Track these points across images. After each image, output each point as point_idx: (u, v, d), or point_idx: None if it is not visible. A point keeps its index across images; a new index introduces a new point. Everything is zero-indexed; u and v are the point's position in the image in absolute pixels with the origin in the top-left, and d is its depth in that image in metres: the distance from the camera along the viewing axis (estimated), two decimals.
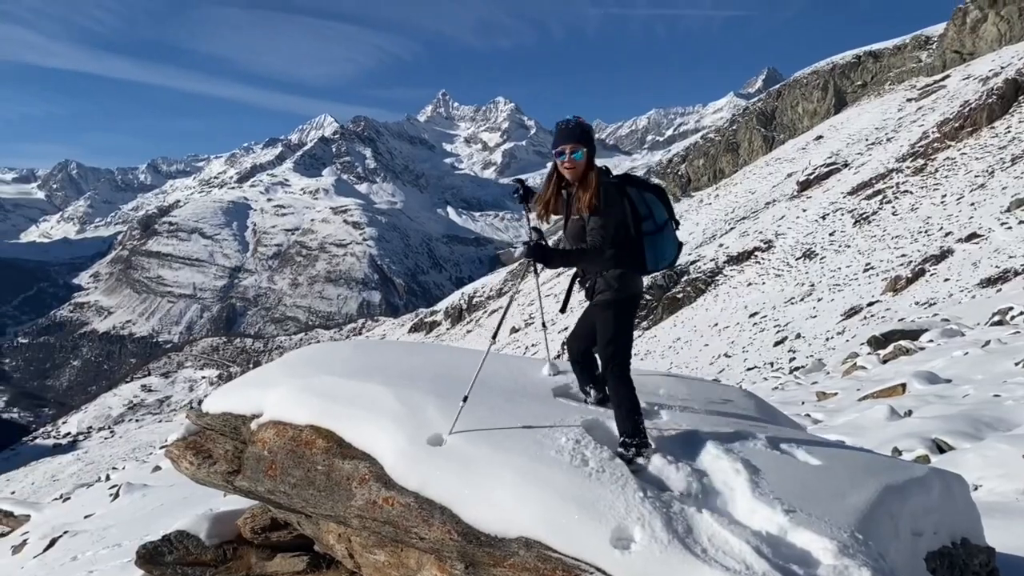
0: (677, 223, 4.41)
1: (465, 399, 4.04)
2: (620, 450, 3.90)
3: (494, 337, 4.72)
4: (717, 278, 53.38)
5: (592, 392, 4.70)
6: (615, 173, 4.33)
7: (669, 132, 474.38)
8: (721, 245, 59.26)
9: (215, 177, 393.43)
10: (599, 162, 4.26)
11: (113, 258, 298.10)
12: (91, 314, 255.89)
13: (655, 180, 4.73)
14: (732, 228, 65.81)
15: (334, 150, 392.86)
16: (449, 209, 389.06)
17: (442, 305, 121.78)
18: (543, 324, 5.63)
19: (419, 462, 3.87)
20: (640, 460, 3.83)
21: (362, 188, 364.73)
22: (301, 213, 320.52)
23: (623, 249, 4.22)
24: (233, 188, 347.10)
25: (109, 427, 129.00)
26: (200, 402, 7.40)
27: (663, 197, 4.37)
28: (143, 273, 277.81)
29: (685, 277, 54.88)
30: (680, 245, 4.43)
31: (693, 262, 56.92)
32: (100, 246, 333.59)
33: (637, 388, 4.13)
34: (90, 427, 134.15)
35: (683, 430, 4.19)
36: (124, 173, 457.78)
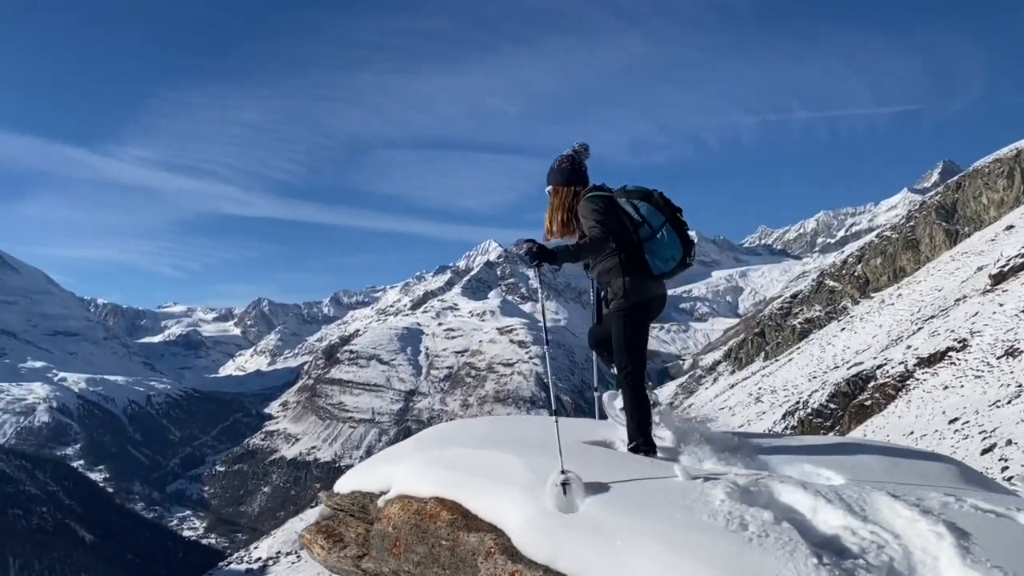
0: (682, 222, 4.65)
1: (565, 477, 3.58)
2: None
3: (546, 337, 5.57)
4: (908, 382, 49.03)
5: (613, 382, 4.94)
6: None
7: (841, 233, 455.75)
8: (909, 347, 54.83)
9: (391, 305, 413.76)
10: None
11: (300, 387, 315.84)
12: (280, 441, 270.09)
13: (655, 189, 4.83)
14: (920, 328, 61.00)
15: (499, 273, 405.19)
16: None
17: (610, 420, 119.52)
18: (546, 340, 5.73)
19: (549, 532, 3.38)
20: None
21: (526, 308, 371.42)
22: (470, 335, 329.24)
23: (625, 259, 4.53)
24: (407, 315, 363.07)
25: (296, 552, 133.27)
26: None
27: (657, 202, 4.60)
28: (326, 400, 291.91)
29: (872, 383, 50.87)
30: (689, 244, 4.71)
31: (880, 366, 52.81)
32: (288, 376, 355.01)
33: (820, 456, 3.71)
34: (279, 552, 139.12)
35: (867, 491, 3.47)
36: (309, 307, 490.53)
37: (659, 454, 4.25)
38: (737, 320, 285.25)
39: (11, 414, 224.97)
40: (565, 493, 3.60)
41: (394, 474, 4.48)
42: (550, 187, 4.85)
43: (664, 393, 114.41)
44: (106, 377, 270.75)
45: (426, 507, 4.01)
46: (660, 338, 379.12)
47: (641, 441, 4.30)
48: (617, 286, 4.54)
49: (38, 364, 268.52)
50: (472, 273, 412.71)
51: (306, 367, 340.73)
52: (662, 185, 4.74)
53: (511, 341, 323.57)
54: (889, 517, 3.17)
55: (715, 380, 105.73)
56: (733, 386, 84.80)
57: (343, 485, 4.90)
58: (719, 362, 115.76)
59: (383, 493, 4.47)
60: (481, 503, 3.80)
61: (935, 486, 3.85)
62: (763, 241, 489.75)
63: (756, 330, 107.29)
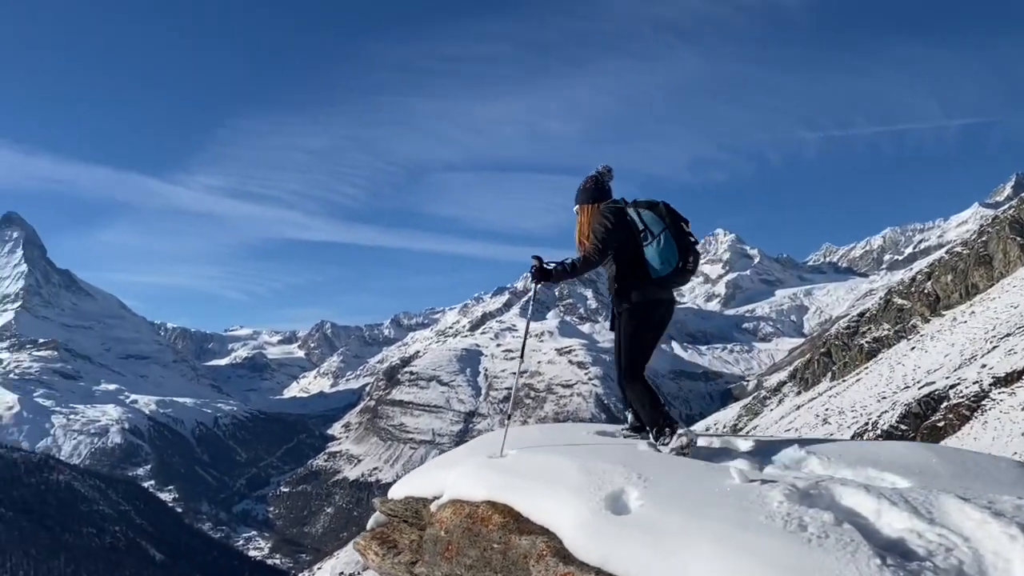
0: (684, 232, 4.88)
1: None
2: (651, 440, 4.51)
3: (521, 356, 5.92)
4: (983, 403, 47.20)
5: (630, 416, 5.17)
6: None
7: (909, 250, 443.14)
8: (984, 366, 52.85)
9: (450, 327, 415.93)
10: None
11: (361, 408, 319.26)
12: (343, 462, 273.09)
13: (663, 201, 5.13)
14: (995, 347, 58.81)
15: (557, 293, 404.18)
16: (674, 344, 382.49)
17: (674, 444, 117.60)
18: (522, 355, 6.03)
19: (601, 534, 3.32)
20: (670, 441, 4.37)
21: (585, 328, 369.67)
22: (528, 356, 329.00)
23: (625, 263, 4.89)
24: (466, 336, 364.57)
25: (359, 573, 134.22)
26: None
27: (660, 211, 4.88)
28: (388, 421, 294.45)
29: (945, 403, 49.14)
30: (687, 249, 4.88)
31: (953, 386, 50.99)
32: (351, 398, 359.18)
33: (885, 461, 3.80)
34: (341, 572, 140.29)
35: (935, 494, 3.32)
36: (371, 329, 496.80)
37: (681, 430, 4.46)
38: (802, 340, 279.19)
39: (86, 435, 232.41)
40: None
41: (447, 479, 4.48)
42: (577, 206, 5.27)
43: (728, 415, 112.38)
44: (175, 399, 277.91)
45: (478, 511, 3.99)
46: (723, 359, 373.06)
47: (662, 422, 4.54)
48: (618, 289, 4.94)
49: (111, 387, 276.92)
50: (529, 294, 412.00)
51: (368, 388, 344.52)
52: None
53: (570, 362, 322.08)
54: (958, 519, 3.03)
55: (780, 401, 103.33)
56: (799, 407, 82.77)
57: (397, 491, 4.91)
58: (784, 383, 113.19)
59: (436, 498, 4.47)
60: (533, 506, 3.76)
61: (1009, 490, 3.67)
62: (828, 259, 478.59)
63: (822, 350, 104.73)
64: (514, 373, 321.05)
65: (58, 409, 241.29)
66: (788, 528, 2.95)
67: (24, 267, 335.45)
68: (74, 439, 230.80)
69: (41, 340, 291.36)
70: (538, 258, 4.94)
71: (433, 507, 4.39)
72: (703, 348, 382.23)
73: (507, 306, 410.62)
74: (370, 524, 5.09)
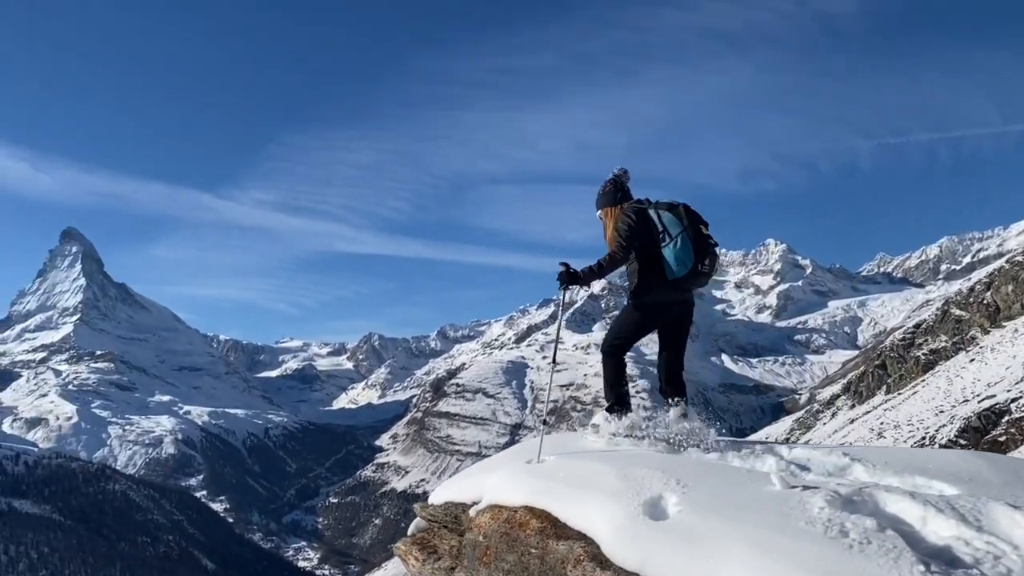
0: (703, 234, 4.99)
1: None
2: (604, 413, 5.13)
3: (554, 360, 6.25)
4: None
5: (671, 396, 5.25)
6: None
7: (967, 259, 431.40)
8: None
9: (495, 339, 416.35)
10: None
11: (409, 420, 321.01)
12: (390, 473, 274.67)
13: (683, 202, 5.23)
14: None
15: (603, 305, 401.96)
16: (724, 357, 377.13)
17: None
18: (554, 360, 6.32)
19: (639, 539, 3.29)
20: (615, 417, 4.97)
21: None
22: (574, 369, 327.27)
23: (643, 262, 5.06)
24: (512, 348, 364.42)
25: None
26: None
27: (679, 213, 5.03)
28: (434, 433, 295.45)
29: (1006, 417, 47.51)
30: (704, 251, 4.98)
31: (1015, 399, 49.37)
32: (398, 409, 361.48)
33: (933, 468, 3.73)
34: None
35: (984, 501, 3.23)
36: (418, 341, 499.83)
37: (632, 412, 5.01)
38: (856, 352, 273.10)
39: (141, 445, 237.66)
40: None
41: (485, 485, 4.49)
42: (600, 211, 5.45)
43: (780, 428, 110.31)
44: (227, 410, 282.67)
45: (516, 516, 3.99)
46: (775, 371, 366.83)
47: (614, 401, 5.13)
48: (633, 285, 5.16)
49: (165, 398, 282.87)
50: (576, 306, 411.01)
51: (415, 400, 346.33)
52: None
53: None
54: (1008, 527, 2.94)
55: (833, 415, 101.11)
56: (853, 421, 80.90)
57: (437, 497, 4.94)
58: (838, 396, 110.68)
59: (475, 504, 4.48)
60: (571, 511, 3.75)
61: None
62: (882, 269, 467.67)
63: (877, 362, 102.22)
64: (560, 386, 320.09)
65: (114, 420, 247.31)
66: (829, 534, 2.90)
67: (82, 281, 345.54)
68: (129, 449, 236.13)
69: (98, 352, 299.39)
70: (565, 264, 5.12)
71: (472, 512, 4.40)
72: (754, 361, 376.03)
73: (552, 318, 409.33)
74: (411, 530, 5.12)
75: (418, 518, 5.10)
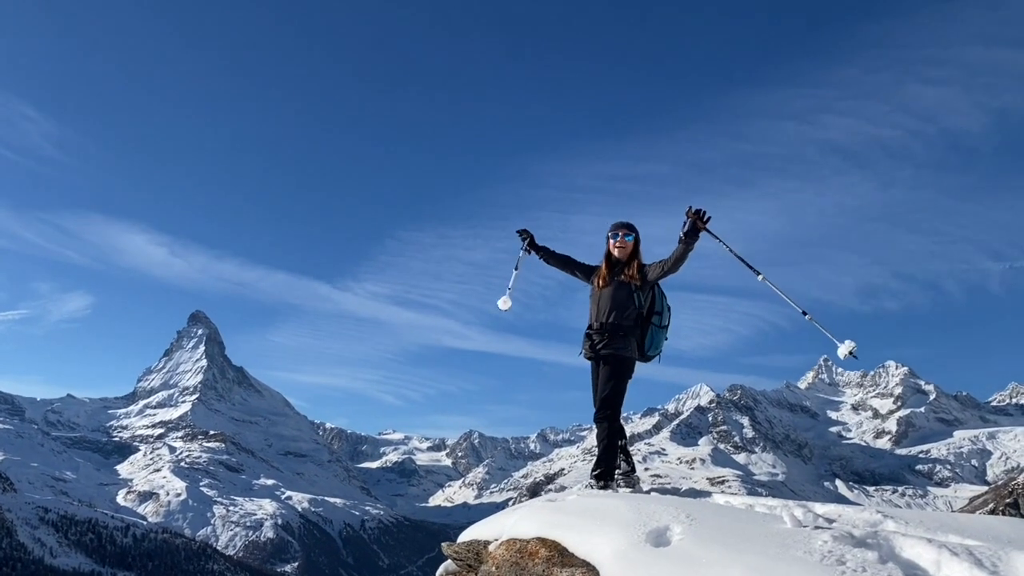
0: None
1: None
2: (591, 480, 5.18)
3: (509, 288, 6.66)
4: None
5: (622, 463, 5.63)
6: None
7: None
8: None
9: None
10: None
11: None
12: None
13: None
14: None
15: (710, 419, 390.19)
16: (838, 482, 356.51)
17: None
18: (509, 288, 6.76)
19: (637, 564, 3.24)
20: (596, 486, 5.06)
21: (740, 458, 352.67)
22: (678, 482, 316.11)
23: (644, 319, 5.48)
24: None
25: None
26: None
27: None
28: None
29: None
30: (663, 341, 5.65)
31: None
32: (493, 511, 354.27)
33: (969, 528, 3.58)
34: None
35: (1003, 547, 3.02)
36: (517, 442, 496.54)
37: (615, 489, 5.14)
38: (985, 488, 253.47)
39: (242, 527, 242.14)
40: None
41: (507, 522, 4.50)
42: (633, 236, 5.89)
43: None
44: (327, 499, 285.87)
45: (528, 546, 3.98)
46: (893, 502, 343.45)
47: (604, 469, 5.30)
48: (622, 339, 5.48)
49: (269, 482, 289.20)
50: (682, 417, 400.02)
51: (511, 503, 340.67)
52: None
53: (722, 493, 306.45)
54: None
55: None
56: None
57: (464, 536, 4.95)
58: None
59: (496, 540, 4.47)
60: (579, 540, 3.74)
61: None
62: (1015, 400, 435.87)
63: (1008, 499, 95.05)
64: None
65: (220, 499, 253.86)
66: (824, 562, 2.79)
67: (204, 362, 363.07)
68: (231, 530, 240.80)
69: (212, 432, 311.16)
70: (528, 232, 6.24)
71: (491, 547, 4.40)
72: (870, 489, 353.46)
73: (656, 428, 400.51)
74: (439, 572, 5.11)
75: (447, 560, 5.10)
